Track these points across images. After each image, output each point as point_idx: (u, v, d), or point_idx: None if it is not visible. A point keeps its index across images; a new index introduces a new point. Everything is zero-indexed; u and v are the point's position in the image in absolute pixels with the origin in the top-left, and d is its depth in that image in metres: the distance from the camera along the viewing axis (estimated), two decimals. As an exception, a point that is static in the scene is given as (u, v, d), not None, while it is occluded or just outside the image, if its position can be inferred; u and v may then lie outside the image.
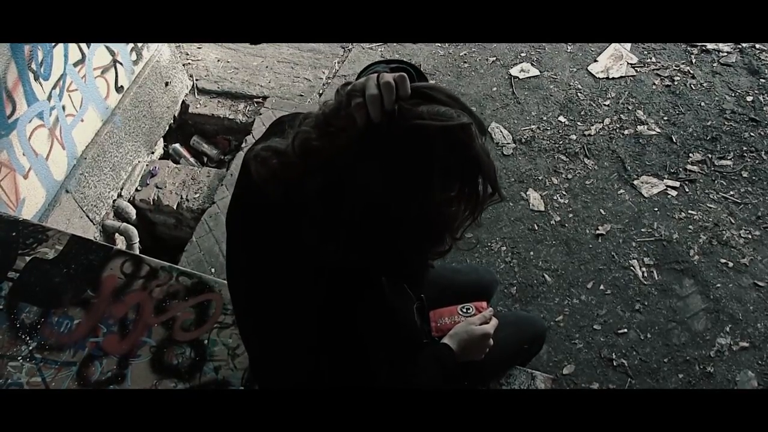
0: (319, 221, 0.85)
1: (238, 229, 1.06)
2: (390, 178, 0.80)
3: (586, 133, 2.87)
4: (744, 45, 3.11)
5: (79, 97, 2.56)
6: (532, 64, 3.19)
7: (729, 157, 2.71)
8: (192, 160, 3.25)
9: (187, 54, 3.54)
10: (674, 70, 3.06)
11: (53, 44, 2.33)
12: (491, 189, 0.86)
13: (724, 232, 2.47)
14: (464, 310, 1.29)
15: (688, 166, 2.69)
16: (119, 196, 2.94)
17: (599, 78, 3.08)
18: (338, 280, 0.91)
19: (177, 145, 3.28)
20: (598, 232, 2.53)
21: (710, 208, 2.55)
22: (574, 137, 2.86)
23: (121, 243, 2.83)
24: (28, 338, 1.55)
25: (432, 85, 0.86)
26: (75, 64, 2.49)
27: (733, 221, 2.51)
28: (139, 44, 2.88)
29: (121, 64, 2.78)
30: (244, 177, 1.00)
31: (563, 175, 2.74)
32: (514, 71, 3.18)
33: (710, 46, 3.13)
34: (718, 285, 2.33)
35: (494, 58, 3.25)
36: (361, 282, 0.94)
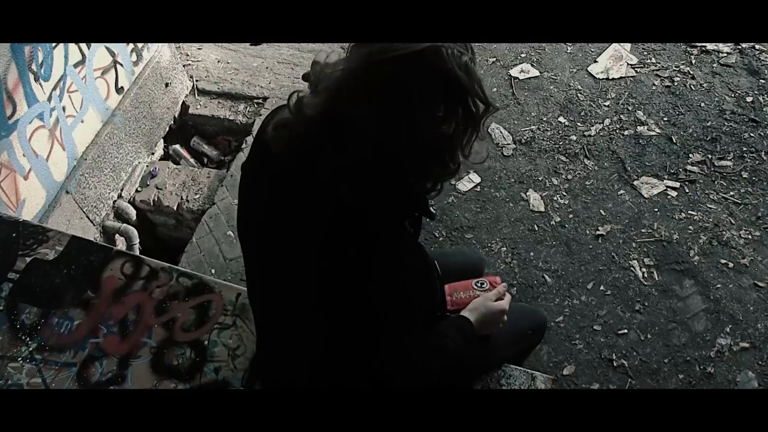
0: (332, 162, 0.91)
1: (252, 193, 1.10)
2: (378, 112, 0.87)
3: (586, 133, 2.87)
4: (744, 45, 3.11)
5: (79, 98, 2.56)
6: (532, 65, 3.19)
7: (729, 158, 2.71)
8: (192, 161, 3.25)
9: (188, 55, 3.54)
10: (674, 70, 3.06)
11: (53, 45, 2.33)
12: (483, 104, 0.90)
13: (724, 232, 2.47)
14: (479, 285, 1.33)
15: (688, 167, 2.70)
16: (119, 196, 2.94)
17: (599, 78, 3.08)
18: (356, 225, 0.94)
19: (177, 146, 3.28)
20: (598, 232, 2.53)
21: (710, 208, 2.55)
22: (574, 138, 2.86)
23: (121, 244, 2.83)
24: (28, 339, 1.55)
25: None
26: (75, 65, 2.49)
27: (733, 222, 2.51)
28: (140, 45, 2.88)
29: (121, 64, 2.78)
30: (258, 144, 1.07)
31: (563, 176, 2.74)
32: (514, 72, 3.18)
33: (710, 46, 3.13)
34: (719, 285, 2.33)
35: (494, 59, 3.25)
36: (381, 227, 0.97)
